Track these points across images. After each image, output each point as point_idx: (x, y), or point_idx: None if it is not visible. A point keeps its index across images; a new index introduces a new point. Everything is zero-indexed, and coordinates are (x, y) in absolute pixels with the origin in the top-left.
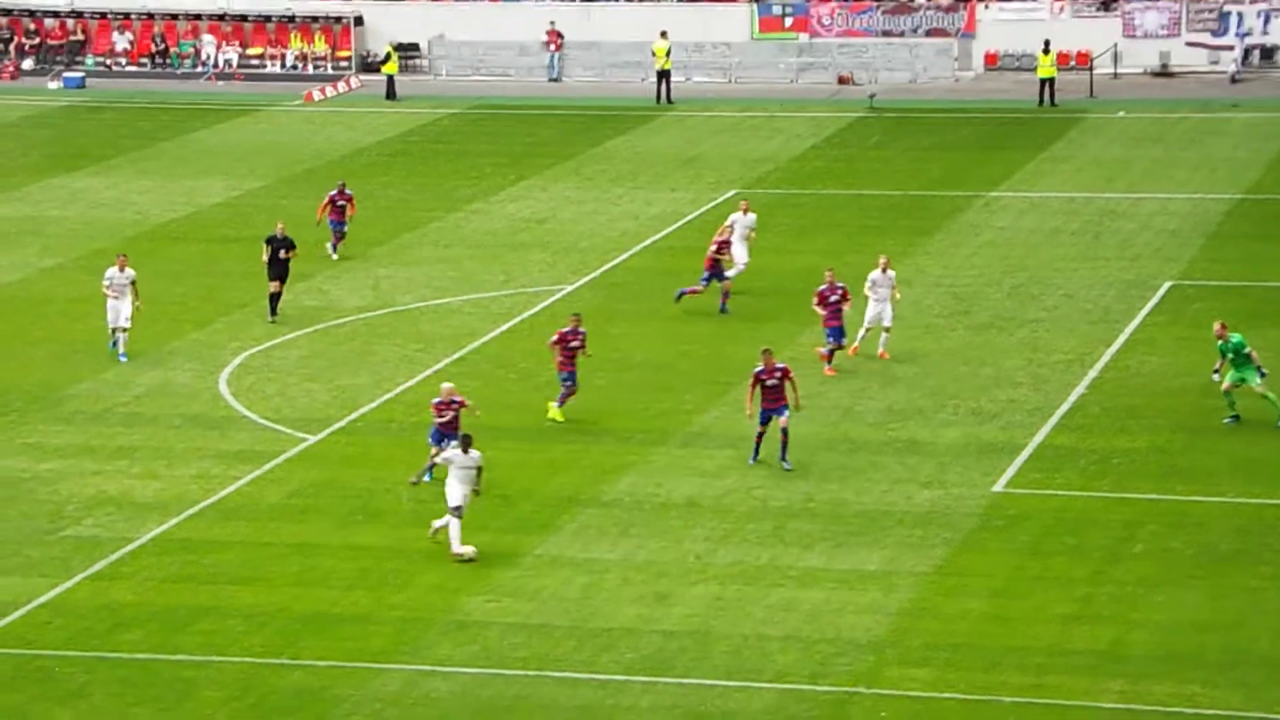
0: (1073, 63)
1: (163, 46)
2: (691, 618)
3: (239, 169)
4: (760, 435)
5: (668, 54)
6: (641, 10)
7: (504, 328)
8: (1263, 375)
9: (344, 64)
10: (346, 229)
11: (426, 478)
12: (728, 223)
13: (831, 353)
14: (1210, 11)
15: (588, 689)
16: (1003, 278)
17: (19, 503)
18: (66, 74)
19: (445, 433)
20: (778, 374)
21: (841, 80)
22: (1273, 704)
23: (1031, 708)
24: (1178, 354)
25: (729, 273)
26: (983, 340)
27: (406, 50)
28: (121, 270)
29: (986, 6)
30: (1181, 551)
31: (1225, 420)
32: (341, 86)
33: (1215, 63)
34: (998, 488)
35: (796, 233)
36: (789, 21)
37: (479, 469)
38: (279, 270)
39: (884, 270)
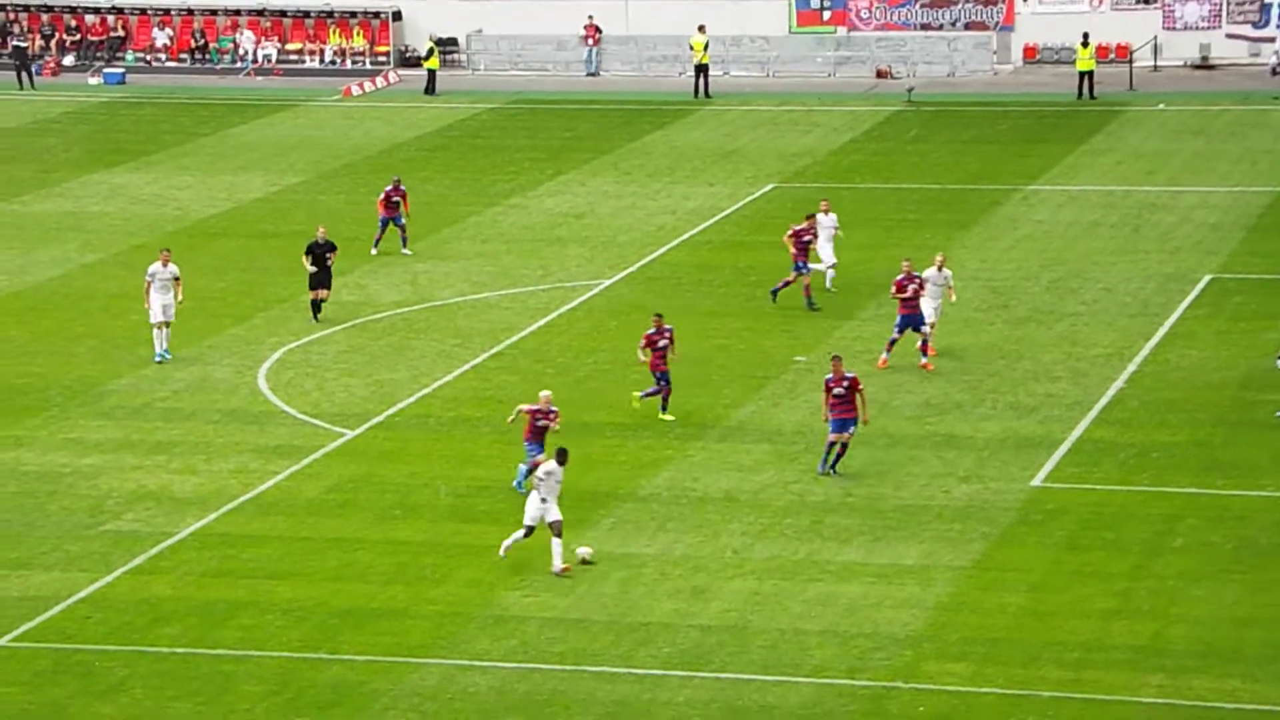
0: (1112, 55)
1: (202, 42)
2: (729, 612)
3: (278, 164)
4: (831, 443)
5: (705, 48)
6: (679, 4)
7: (541, 322)
8: None
9: (382, 59)
10: (404, 222)
11: (519, 487)
12: (804, 224)
13: (925, 344)
14: (1251, 3)
15: (625, 683)
16: (1041, 271)
17: (59, 497)
18: (107, 70)
19: (534, 441)
20: (845, 383)
21: (880, 74)
22: None
23: (1069, 702)
24: (1217, 347)
25: (814, 266)
26: (1021, 334)
27: (445, 45)
28: (165, 265)
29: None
30: (1221, 546)
31: (1278, 414)
32: (380, 81)
33: (1256, 55)
34: (1036, 482)
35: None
36: (827, 15)
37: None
38: (322, 278)
39: (940, 269)
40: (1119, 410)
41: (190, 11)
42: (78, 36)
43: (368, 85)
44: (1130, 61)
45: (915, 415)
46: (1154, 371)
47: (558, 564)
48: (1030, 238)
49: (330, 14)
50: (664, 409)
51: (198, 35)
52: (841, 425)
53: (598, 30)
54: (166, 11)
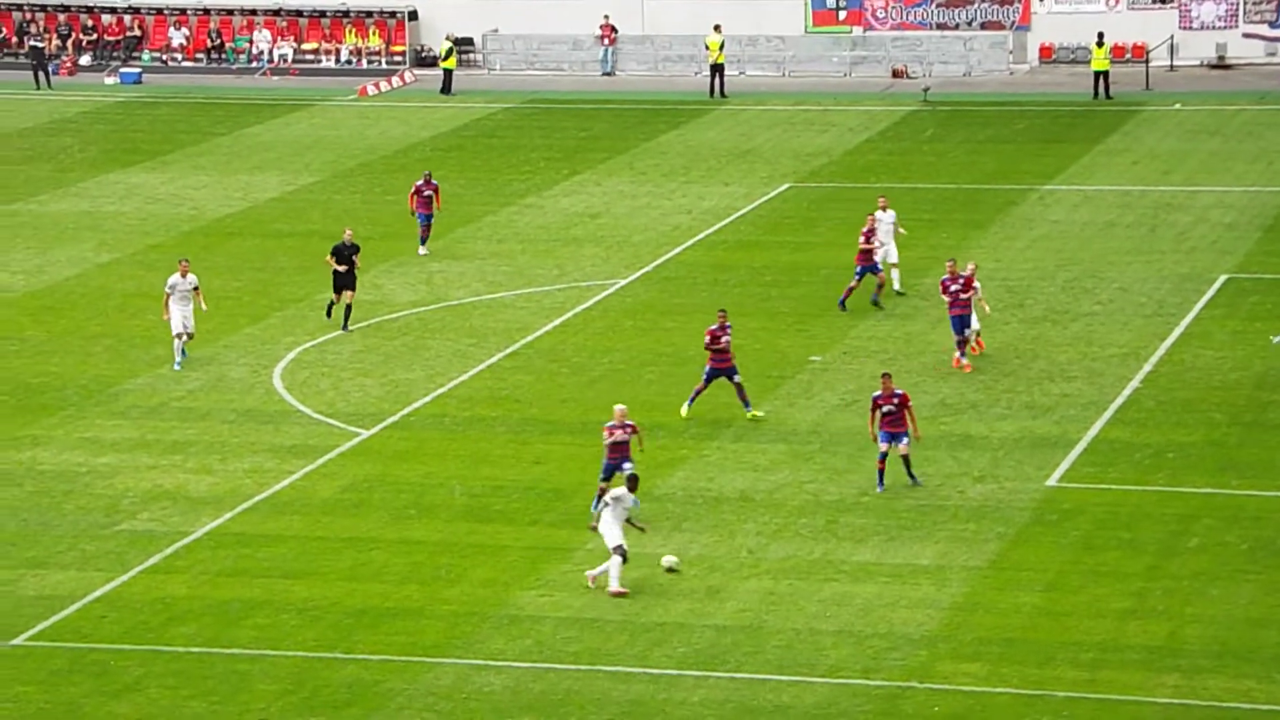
0: (1128, 55)
1: (218, 42)
2: (744, 612)
3: (294, 164)
4: (883, 459)
5: (721, 48)
6: (695, 4)
7: (557, 322)
8: None
9: (398, 59)
10: (432, 219)
11: (596, 510)
12: (868, 225)
13: (961, 344)
14: (1268, 3)
15: (640, 683)
16: (1057, 271)
17: (75, 497)
18: (123, 69)
19: (613, 459)
20: (895, 400)
21: (895, 74)
22: None
23: (1085, 702)
24: (1233, 347)
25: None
26: (1036, 334)
27: (461, 45)
28: (184, 276)
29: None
30: (1236, 546)
31: None
32: (396, 81)
33: (1273, 55)
34: (1051, 482)
35: (850, 227)
36: (843, 15)
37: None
38: (346, 279)
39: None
40: (1134, 410)
41: (206, 11)
42: (94, 36)
43: (383, 85)
44: (1146, 61)
45: (930, 415)
46: (1169, 371)
47: (614, 585)
48: (1046, 237)
49: (346, 14)
50: (747, 407)
51: (214, 35)
52: (893, 437)
53: (613, 30)
54: (183, 11)
